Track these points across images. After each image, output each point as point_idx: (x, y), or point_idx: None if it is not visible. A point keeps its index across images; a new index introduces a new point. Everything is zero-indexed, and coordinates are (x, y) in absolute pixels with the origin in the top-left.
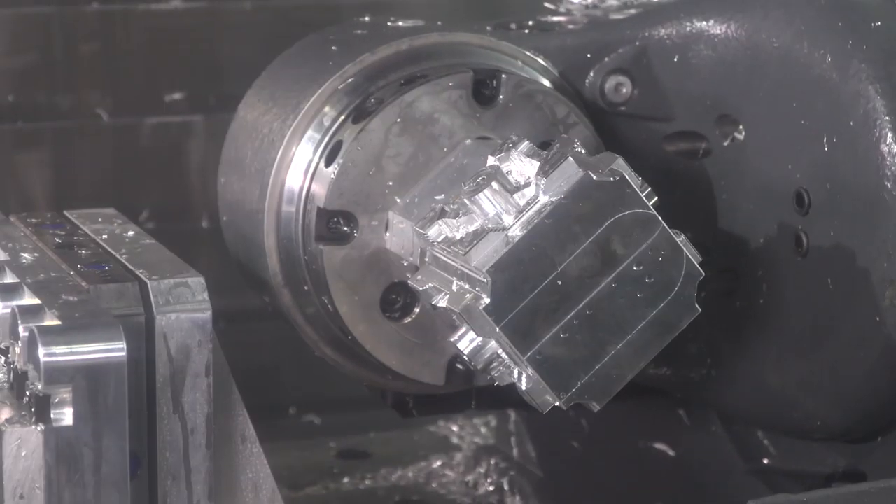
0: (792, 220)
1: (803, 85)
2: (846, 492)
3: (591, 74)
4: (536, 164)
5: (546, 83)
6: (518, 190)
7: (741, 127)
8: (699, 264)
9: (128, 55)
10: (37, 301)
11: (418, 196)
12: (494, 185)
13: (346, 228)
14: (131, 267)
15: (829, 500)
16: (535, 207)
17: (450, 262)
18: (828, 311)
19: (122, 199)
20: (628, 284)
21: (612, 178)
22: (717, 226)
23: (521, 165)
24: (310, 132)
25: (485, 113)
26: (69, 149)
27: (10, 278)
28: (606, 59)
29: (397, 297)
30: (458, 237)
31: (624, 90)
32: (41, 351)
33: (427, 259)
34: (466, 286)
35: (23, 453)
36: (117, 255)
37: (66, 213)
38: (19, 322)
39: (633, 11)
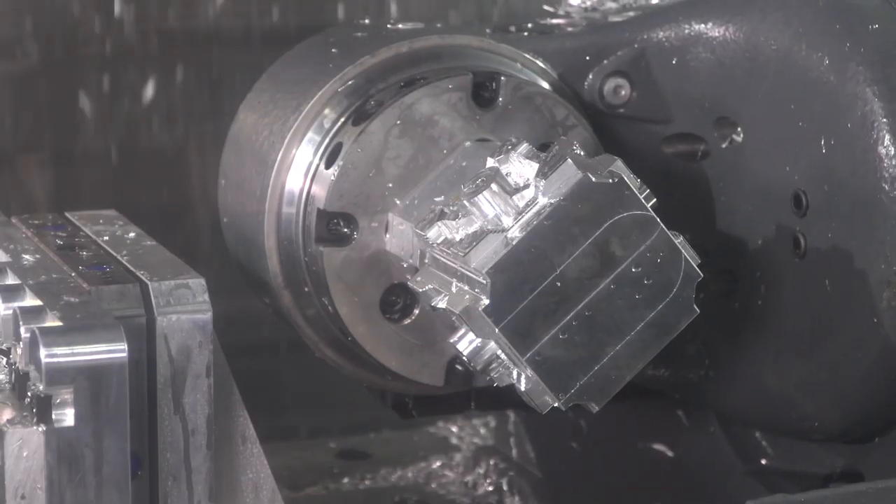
0: (790, 222)
1: (801, 87)
2: (844, 492)
3: (590, 77)
4: (535, 165)
5: (545, 85)
6: (517, 192)
7: (739, 129)
8: (698, 266)
9: None
10: (38, 302)
11: (418, 198)
12: (494, 186)
13: (346, 230)
14: (132, 268)
15: (827, 501)
16: (535, 209)
17: (449, 263)
18: (826, 312)
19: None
20: (627, 286)
21: (610, 180)
22: (716, 227)
23: (520, 167)
24: (310, 134)
25: (484, 115)
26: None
27: (11, 280)
28: (605, 61)
29: (397, 299)
30: (457, 239)
31: (623, 92)
32: (42, 352)
33: (426, 260)
34: (466, 287)
35: (24, 454)
36: (118, 257)
37: (67, 214)
38: (21, 323)
39: (631, 14)
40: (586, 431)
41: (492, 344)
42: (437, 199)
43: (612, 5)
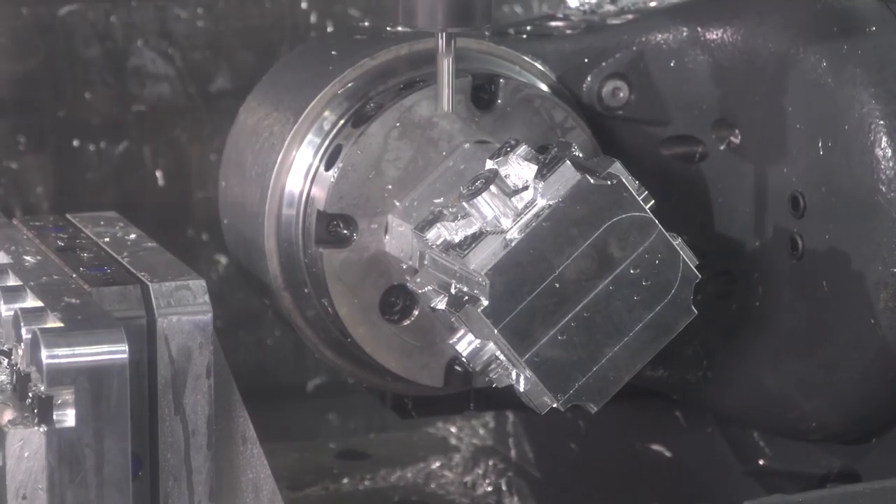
0: (787, 224)
1: (799, 89)
2: (841, 492)
3: (589, 79)
4: (534, 167)
5: (544, 88)
6: (516, 193)
7: (737, 131)
8: (696, 267)
9: None
10: (39, 303)
11: (417, 199)
12: (493, 188)
13: (345, 232)
14: (133, 270)
15: (825, 501)
16: (533, 211)
17: (448, 264)
18: (823, 313)
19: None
20: (625, 287)
21: (609, 182)
22: (714, 229)
23: (519, 169)
24: (310, 136)
25: (483, 117)
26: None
27: (12, 281)
28: (604, 63)
29: (396, 300)
30: (456, 240)
31: (621, 94)
32: (43, 353)
33: (426, 262)
34: (465, 289)
35: (25, 454)
36: (119, 258)
37: (68, 216)
38: (22, 324)
39: (630, 17)
40: (585, 432)
41: (491, 345)
42: (436, 201)
43: (611, 8)
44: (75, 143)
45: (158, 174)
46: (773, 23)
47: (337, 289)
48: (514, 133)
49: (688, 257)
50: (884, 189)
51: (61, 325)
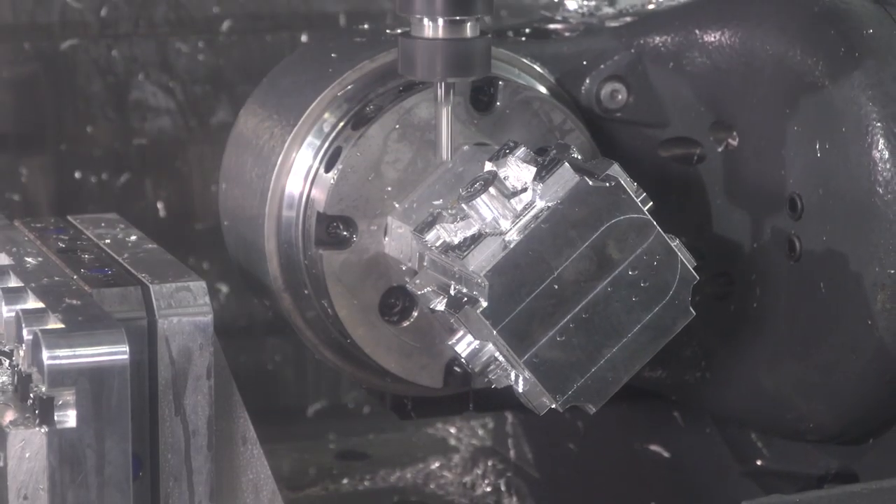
0: (785, 225)
1: (796, 91)
2: (839, 492)
3: (587, 81)
4: (533, 169)
5: (543, 90)
6: (515, 195)
7: (735, 133)
8: (694, 268)
9: None
10: (40, 305)
11: (417, 201)
12: (492, 190)
13: (345, 233)
14: (134, 271)
15: (822, 501)
16: (532, 212)
17: (447, 266)
18: (820, 314)
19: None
20: (624, 288)
21: (607, 184)
22: (712, 230)
23: (518, 171)
24: (310, 138)
25: (482, 119)
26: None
27: (14, 282)
28: (602, 66)
29: (396, 301)
30: (455, 242)
31: (619, 97)
32: (45, 354)
33: (425, 263)
34: (464, 290)
35: (27, 455)
36: (120, 260)
37: (69, 217)
38: (23, 325)
39: (628, 19)
40: (583, 432)
41: (490, 346)
42: (435, 203)
43: (609, 10)
44: (77, 175)
45: (160, 205)
46: (771, 25)
47: (337, 290)
48: (513, 135)
49: (686, 259)
50: (881, 191)
51: (62, 326)
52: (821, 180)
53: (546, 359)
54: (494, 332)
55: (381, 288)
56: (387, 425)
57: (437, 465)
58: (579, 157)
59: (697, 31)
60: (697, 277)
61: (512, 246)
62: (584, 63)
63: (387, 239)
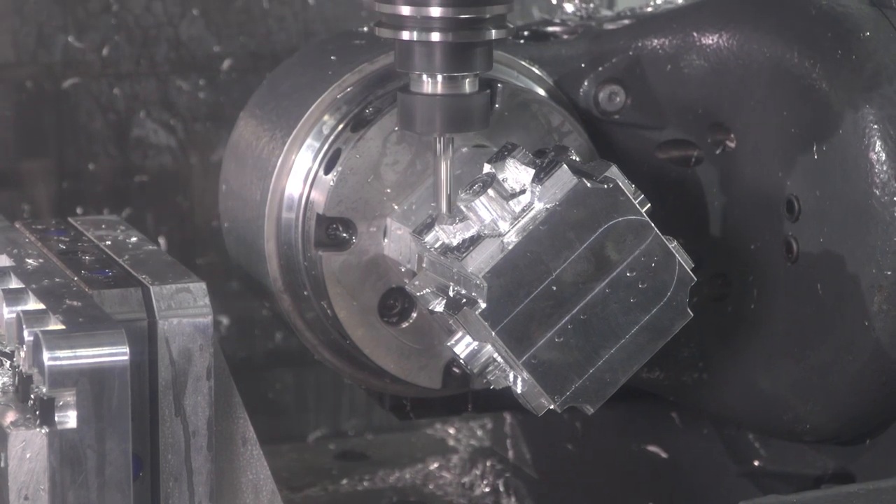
0: (782, 227)
1: (793, 94)
2: (835, 493)
3: (586, 84)
4: (531, 171)
5: (541, 92)
6: (514, 197)
7: (732, 135)
8: (691, 270)
9: None
10: (41, 306)
11: (416, 203)
12: (490, 192)
13: (344, 235)
14: (134, 272)
15: (819, 502)
16: (531, 214)
17: (446, 267)
18: (817, 316)
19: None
20: (622, 290)
21: (605, 186)
22: (709, 232)
23: (516, 173)
24: (309, 140)
25: None
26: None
27: (15, 284)
28: (600, 68)
29: (395, 303)
30: (454, 243)
31: (617, 99)
32: (45, 355)
33: (424, 265)
34: (463, 291)
35: (27, 455)
36: (120, 261)
37: (70, 219)
38: (24, 327)
39: (626, 22)
40: (582, 433)
41: (488, 347)
42: (434, 204)
43: (608, 13)
44: (79, 211)
45: (161, 241)
46: (768, 28)
47: (336, 291)
48: (512, 137)
49: (684, 260)
50: (878, 193)
51: (63, 327)
52: (818, 182)
53: (544, 360)
54: (493, 334)
55: (380, 289)
56: (386, 426)
57: (435, 465)
58: (577, 159)
59: (695, 34)
60: (695, 279)
61: (510, 247)
62: (583, 65)
63: (386, 240)
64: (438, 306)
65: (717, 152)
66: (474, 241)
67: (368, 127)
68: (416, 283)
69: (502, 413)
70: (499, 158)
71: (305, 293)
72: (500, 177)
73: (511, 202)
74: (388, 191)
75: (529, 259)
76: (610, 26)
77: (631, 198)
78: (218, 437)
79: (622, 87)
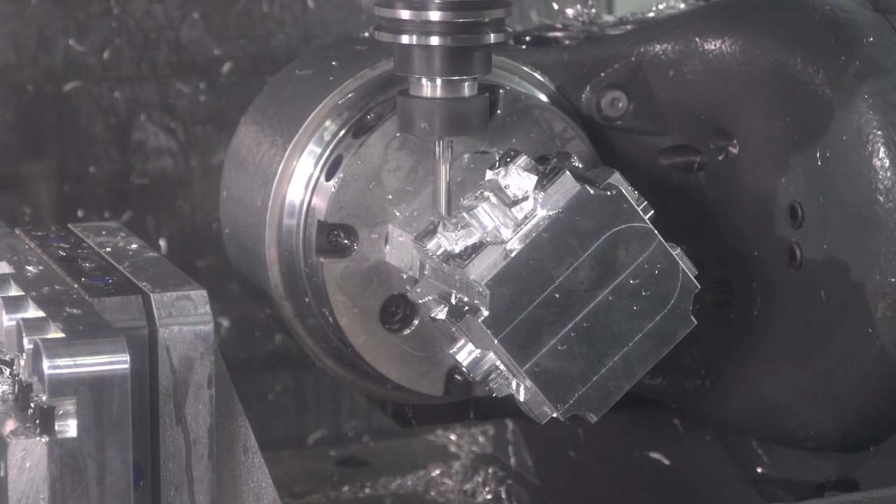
0: (785, 233)
1: (796, 100)
2: (839, 501)
3: (588, 89)
4: (534, 178)
5: (543, 98)
6: (516, 204)
7: (735, 141)
8: (695, 277)
9: None
10: (41, 314)
11: (417, 210)
12: (493, 198)
13: (346, 241)
14: (134, 280)
15: None
16: (533, 221)
17: (449, 274)
18: (821, 322)
19: None
20: (625, 297)
21: (608, 193)
22: (712, 238)
23: (519, 180)
24: (310, 146)
25: None
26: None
27: (14, 291)
28: (602, 74)
29: (397, 309)
30: (456, 250)
31: (620, 105)
32: (45, 363)
33: (426, 272)
34: (465, 299)
35: (27, 464)
36: (120, 268)
37: (70, 226)
38: (24, 334)
39: (629, 27)
40: (584, 440)
41: (491, 355)
42: (436, 211)
43: (610, 19)
44: (80, 214)
45: (161, 243)
46: (771, 33)
47: (337, 298)
48: (514, 143)
49: (687, 267)
50: (881, 199)
51: (63, 335)
52: (821, 188)
53: (547, 368)
54: (496, 342)
55: (381, 296)
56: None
57: (437, 472)
58: (580, 165)
59: (698, 40)
60: (699, 286)
61: (513, 255)
62: (585, 71)
63: (388, 247)
64: (441, 314)
65: (720, 158)
66: (477, 248)
67: (370, 133)
68: (418, 290)
69: (504, 420)
70: (501, 165)
71: (306, 300)
72: (503, 183)
73: (514, 209)
74: (390, 197)
75: (532, 266)
76: (612, 32)
77: (634, 205)
78: (219, 446)
79: (624, 92)
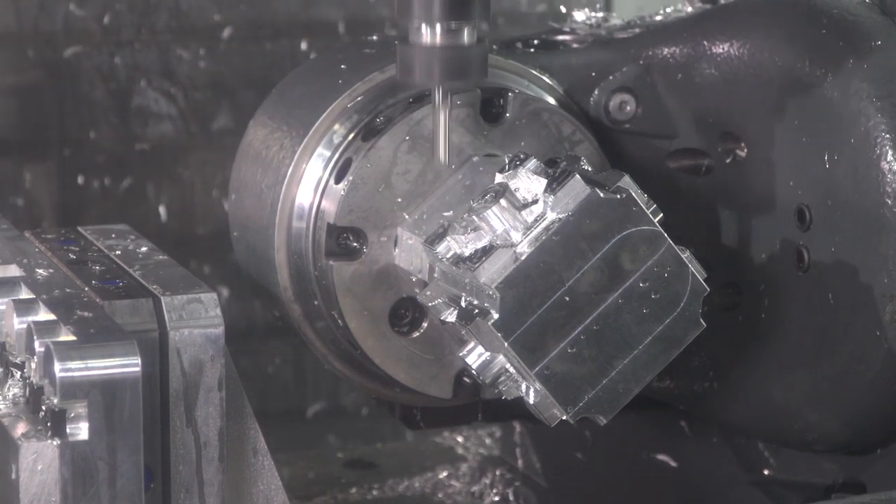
0: (793, 236)
1: (805, 103)
2: (846, 503)
3: (596, 92)
4: (544, 181)
5: (552, 101)
6: (526, 207)
7: (743, 144)
8: (704, 280)
9: None
10: (52, 317)
11: (427, 213)
12: (503, 202)
13: (355, 244)
14: (145, 283)
15: None
16: (543, 224)
17: (458, 277)
18: (829, 325)
19: None
20: (635, 300)
21: (618, 196)
22: (720, 241)
23: (528, 183)
24: (319, 149)
25: (492, 130)
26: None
27: (25, 294)
28: (611, 77)
29: (406, 312)
30: (466, 253)
31: (628, 108)
32: (57, 366)
33: (436, 275)
34: (475, 302)
35: (39, 467)
36: (131, 271)
37: (79, 228)
38: (35, 338)
39: (637, 31)
40: (591, 442)
41: (501, 357)
42: (445, 214)
43: (618, 22)
44: (80, 180)
45: (161, 210)
46: (780, 37)
47: (347, 301)
48: (523, 146)
49: (696, 270)
50: (889, 202)
51: (74, 338)
52: (829, 191)
53: (557, 371)
54: (506, 344)
55: (391, 299)
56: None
57: (445, 474)
58: (589, 168)
59: (706, 43)
60: (708, 289)
61: (523, 258)
62: (593, 74)
63: (397, 250)
64: (450, 317)
65: (728, 161)
66: (486, 251)
67: (379, 136)
68: (428, 293)
69: (512, 422)
70: (511, 168)
71: (315, 303)
72: (513, 187)
73: (523, 212)
74: (399, 200)
75: (542, 269)
76: (620, 35)
77: (644, 208)
78: (229, 448)
79: (633, 95)
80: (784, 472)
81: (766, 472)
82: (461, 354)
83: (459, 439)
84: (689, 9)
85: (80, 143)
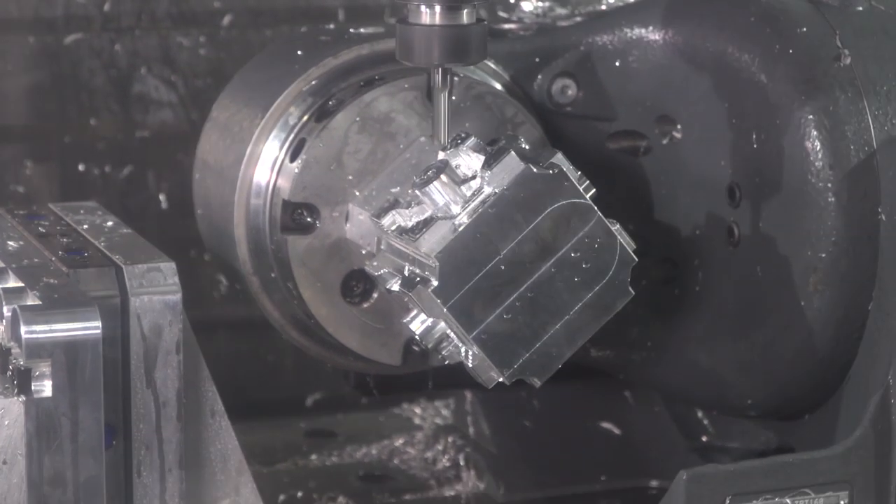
0: (724, 213)
1: (735, 87)
2: (771, 462)
3: (540, 77)
4: (482, 158)
5: (496, 86)
6: (465, 182)
7: (678, 126)
8: (633, 251)
9: None
10: (20, 284)
11: (376, 189)
12: (443, 177)
13: (309, 219)
14: (108, 253)
15: (755, 471)
16: (480, 198)
17: (402, 248)
18: (758, 297)
19: None
20: (566, 269)
21: (551, 171)
22: (657, 218)
23: (468, 159)
24: (276, 131)
25: None
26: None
27: None
28: (553, 63)
29: (357, 284)
30: (409, 225)
31: (569, 92)
32: (23, 328)
33: (382, 246)
34: (417, 270)
35: (6, 423)
36: (96, 243)
37: (50, 205)
38: (3, 303)
39: (579, 19)
40: (538, 410)
41: (442, 323)
42: (393, 191)
43: (562, 11)
44: (80, 167)
45: (161, 197)
46: (712, 24)
47: (301, 273)
48: (467, 127)
49: (625, 241)
50: (813, 180)
51: (39, 303)
52: (757, 170)
53: (493, 335)
54: (445, 310)
55: (342, 271)
56: (354, 405)
57: (400, 442)
58: (526, 146)
59: (642, 31)
60: (636, 259)
61: (461, 229)
62: (537, 60)
63: (348, 225)
64: (395, 285)
65: (664, 142)
66: (428, 223)
67: (331, 117)
68: (375, 263)
69: (463, 391)
70: (452, 146)
71: (273, 275)
72: (453, 163)
73: (463, 187)
74: (350, 178)
75: (479, 240)
76: (563, 23)
77: (575, 183)
78: (187, 410)
79: (574, 80)
80: (721, 438)
81: (704, 438)
82: (406, 321)
83: (417, 410)
84: None
85: (81, 129)
